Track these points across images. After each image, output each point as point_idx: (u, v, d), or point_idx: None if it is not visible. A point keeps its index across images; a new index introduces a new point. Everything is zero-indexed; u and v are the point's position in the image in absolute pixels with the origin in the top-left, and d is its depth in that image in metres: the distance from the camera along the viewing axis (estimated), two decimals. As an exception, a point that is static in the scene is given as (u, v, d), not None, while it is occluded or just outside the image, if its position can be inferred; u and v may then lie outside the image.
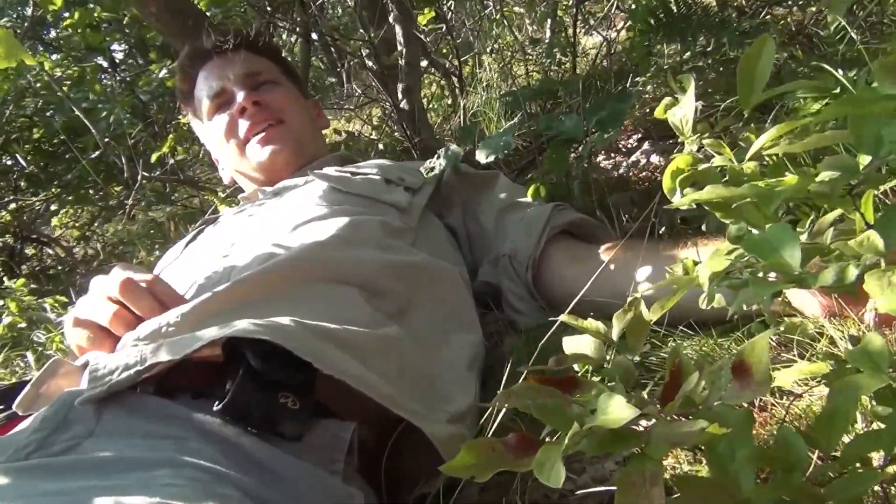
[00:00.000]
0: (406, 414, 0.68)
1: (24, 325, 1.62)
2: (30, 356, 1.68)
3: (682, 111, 0.43)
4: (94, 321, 0.82)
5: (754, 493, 0.30)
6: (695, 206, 1.19)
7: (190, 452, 0.59)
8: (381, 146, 1.93)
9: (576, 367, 0.70)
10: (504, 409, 0.71)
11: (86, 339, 0.83)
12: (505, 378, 0.77)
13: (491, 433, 0.67)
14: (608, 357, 0.51)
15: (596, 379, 0.57)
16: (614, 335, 0.50)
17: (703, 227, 1.10)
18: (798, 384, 0.67)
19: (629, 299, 0.64)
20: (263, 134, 1.26)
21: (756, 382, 0.35)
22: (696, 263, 0.56)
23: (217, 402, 0.63)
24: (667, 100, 0.46)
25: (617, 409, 0.31)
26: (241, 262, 0.93)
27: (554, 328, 0.67)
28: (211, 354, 0.70)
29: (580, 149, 1.11)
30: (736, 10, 1.96)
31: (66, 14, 2.67)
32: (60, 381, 0.77)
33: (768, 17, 1.96)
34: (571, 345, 0.50)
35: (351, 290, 0.87)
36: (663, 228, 1.19)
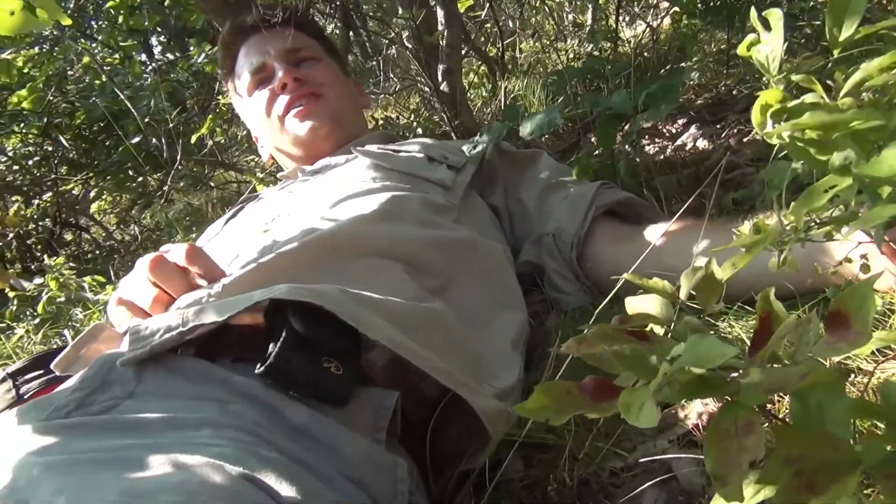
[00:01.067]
0: (454, 385, 0.66)
1: (62, 299, 1.63)
2: (67, 334, 1.70)
3: (769, 47, 0.40)
4: (136, 303, 0.82)
5: (864, 446, 0.27)
6: (747, 190, 1.13)
7: (232, 415, 0.57)
8: (419, 130, 1.91)
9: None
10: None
11: (127, 321, 0.83)
12: (553, 354, 0.74)
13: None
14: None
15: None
16: (682, 294, 0.47)
17: (761, 203, 1.06)
18: (867, 360, 0.63)
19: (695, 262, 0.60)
20: (302, 108, 1.25)
21: (854, 334, 0.32)
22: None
23: (259, 365, 0.61)
24: (750, 37, 0.42)
25: (712, 349, 0.28)
26: (283, 236, 0.92)
27: (608, 300, 0.64)
28: (253, 321, 0.69)
29: (628, 126, 1.07)
30: (787, -6, 1.90)
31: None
32: (101, 346, 0.76)
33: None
34: (635, 304, 0.47)
35: (393, 265, 0.85)
36: (713, 210, 1.15)
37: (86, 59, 2.62)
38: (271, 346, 0.62)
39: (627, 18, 2.87)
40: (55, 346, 1.66)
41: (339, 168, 1.12)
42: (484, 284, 0.93)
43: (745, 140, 1.48)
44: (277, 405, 0.60)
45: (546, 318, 1.04)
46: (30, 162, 3.24)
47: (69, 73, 3.10)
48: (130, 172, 2.65)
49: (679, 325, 0.46)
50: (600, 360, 0.36)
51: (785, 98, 0.38)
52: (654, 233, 0.98)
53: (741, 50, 0.44)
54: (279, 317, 0.65)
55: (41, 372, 0.81)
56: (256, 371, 0.61)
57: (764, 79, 0.42)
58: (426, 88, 1.87)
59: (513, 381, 0.80)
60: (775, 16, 0.41)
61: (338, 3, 2.00)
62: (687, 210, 1.20)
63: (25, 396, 0.78)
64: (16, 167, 3.18)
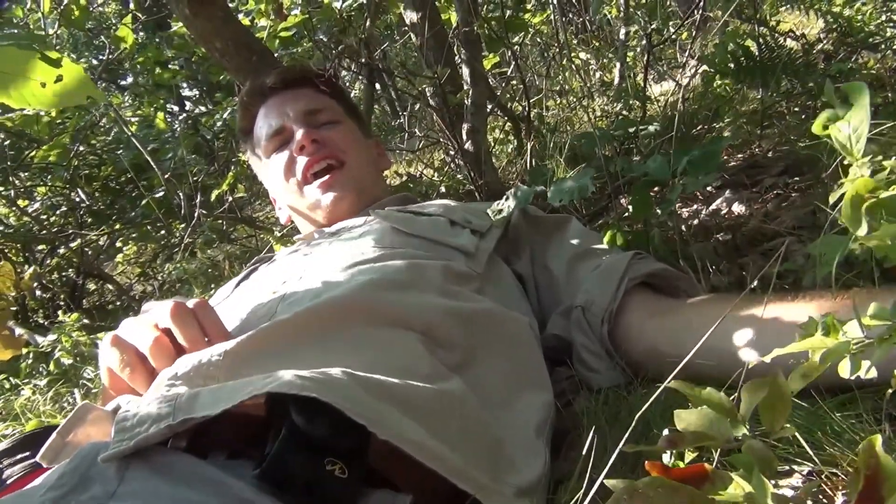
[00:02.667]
0: (471, 487, 0.59)
1: (69, 361, 1.58)
2: (77, 394, 1.65)
3: (852, 126, 0.34)
4: (132, 345, 0.78)
5: None
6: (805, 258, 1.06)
7: (220, 525, 0.51)
8: (442, 188, 1.87)
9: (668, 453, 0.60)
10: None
11: (119, 362, 0.78)
12: (586, 449, 0.67)
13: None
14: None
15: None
16: (743, 411, 0.40)
17: (809, 279, 0.98)
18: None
19: (750, 364, 0.54)
20: (326, 178, 1.21)
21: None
22: (840, 322, 0.45)
23: (255, 467, 0.54)
24: (826, 112, 0.36)
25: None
26: (293, 299, 0.86)
27: (652, 399, 0.57)
28: (253, 405, 0.63)
29: (666, 192, 1.01)
30: (823, 54, 1.85)
31: (138, 53, 2.73)
32: (89, 429, 0.70)
33: (859, 61, 1.85)
34: (687, 420, 0.40)
35: (410, 337, 0.79)
36: (755, 282, 1.07)
37: (111, 115, 2.63)
38: (269, 444, 0.55)
39: (654, 75, 2.84)
40: (63, 415, 1.62)
41: (356, 231, 1.07)
42: (507, 361, 0.87)
43: (783, 205, 1.41)
44: (274, 513, 0.53)
45: (574, 398, 0.96)
46: (56, 212, 3.26)
47: (98, 124, 3.13)
48: (149, 228, 2.63)
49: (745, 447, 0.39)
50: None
51: (877, 187, 0.32)
52: (693, 310, 0.91)
53: (816, 128, 0.37)
54: (280, 406, 0.59)
55: (28, 454, 0.75)
56: (252, 473, 0.54)
57: (846, 161, 0.36)
58: (451, 147, 1.83)
59: (537, 473, 0.72)
60: (859, 90, 0.34)
61: (363, 60, 1.99)
62: (727, 283, 1.13)
63: (8, 482, 0.73)
64: (43, 216, 3.20)
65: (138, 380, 0.77)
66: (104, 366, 0.80)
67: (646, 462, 0.33)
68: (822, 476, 0.61)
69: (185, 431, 0.60)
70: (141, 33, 3.11)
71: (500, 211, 1.08)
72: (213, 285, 2.41)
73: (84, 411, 0.69)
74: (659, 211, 1.00)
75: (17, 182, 3.04)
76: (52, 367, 1.74)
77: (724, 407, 0.41)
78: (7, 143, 2.70)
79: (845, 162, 0.36)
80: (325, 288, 0.85)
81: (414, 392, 0.66)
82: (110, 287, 3.56)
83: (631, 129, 1.32)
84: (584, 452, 0.68)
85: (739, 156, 1.82)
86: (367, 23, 1.95)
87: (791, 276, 1.10)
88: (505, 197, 1.10)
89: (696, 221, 1.46)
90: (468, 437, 0.67)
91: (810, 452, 0.61)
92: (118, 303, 3.35)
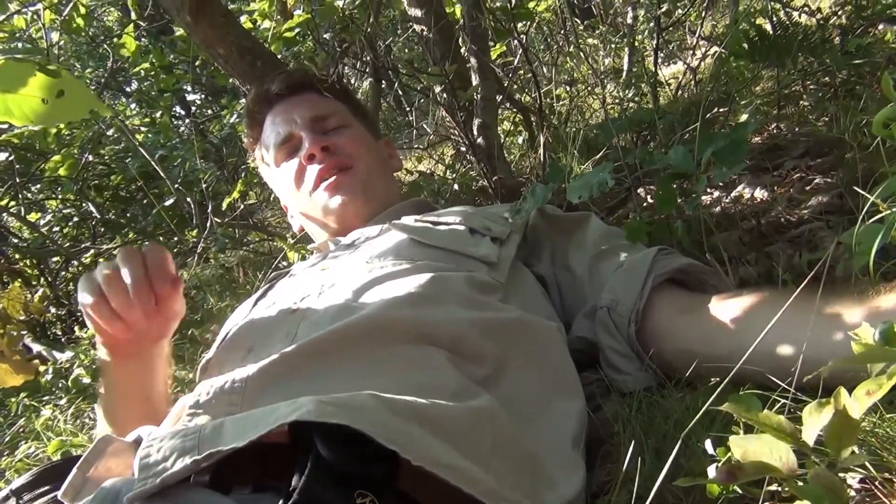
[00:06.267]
0: (510, 511, 0.56)
1: (88, 380, 1.57)
2: (98, 410, 1.63)
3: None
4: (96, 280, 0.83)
5: None
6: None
7: (249, 566, 0.48)
8: (455, 186, 1.83)
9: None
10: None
11: (90, 293, 0.83)
12: (627, 461, 0.64)
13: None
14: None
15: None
16: (807, 437, 0.37)
17: (842, 269, 0.94)
18: None
19: (806, 379, 0.51)
20: (332, 180, 1.18)
21: None
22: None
23: (281, 502, 0.52)
24: (887, 109, 0.33)
25: None
26: (312, 318, 0.84)
27: (699, 415, 0.54)
28: (277, 433, 0.60)
29: (691, 185, 0.97)
30: (838, 29, 1.80)
31: (141, 59, 2.70)
32: (109, 462, 0.68)
33: (875, 35, 1.79)
34: (745, 447, 0.37)
35: (436, 353, 0.76)
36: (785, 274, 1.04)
37: (117, 124, 2.61)
38: (295, 478, 0.53)
39: (663, 57, 2.79)
40: (84, 433, 1.61)
41: (374, 242, 1.04)
42: (539, 369, 0.84)
43: (807, 189, 1.37)
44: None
45: (603, 401, 0.93)
46: (68, 224, 3.25)
47: (106, 134, 3.11)
48: (161, 237, 2.62)
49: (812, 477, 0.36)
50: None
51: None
52: (724, 306, 0.88)
53: (876, 128, 0.34)
54: (305, 435, 0.56)
55: (48, 488, 0.74)
56: (279, 509, 0.52)
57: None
58: (462, 143, 1.80)
59: (576, 488, 0.70)
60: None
61: (368, 58, 1.96)
62: (755, 274, 1.10)
63: (30, 519, 0.71)
64: (55, 228, 3.19)
65: (104, 311, 0.82)
66: (83, 308, 0.85)
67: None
68: (876, 483, 0.58)
69: (207, 465, 0.57)
70: (143, 40, 3.09)
71: (519, 211, 1.05)
72: (227, 292, 2.39)
73: (103, 444, 0.67)
74: (684, 204, 0.96)
75: (27, 196, 3.03)
76: (70, 384, 1.73)
77: (785, 431, 0.38)
78: (13, 157, 2.69)
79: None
80: (346, 307, 0.82)
81: (443, 412, 0.63)
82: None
83: (648, 119, 1.28)
84: (624, 467, 0.65)
85: (757, 138, 1.78)
86: (371, 19, 1.92)
87: (823, 265, 1.07)
88: (522, 197, 1.07)
89: (717, 209, 1.43)
90: (502, 455, 0.64)
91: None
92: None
